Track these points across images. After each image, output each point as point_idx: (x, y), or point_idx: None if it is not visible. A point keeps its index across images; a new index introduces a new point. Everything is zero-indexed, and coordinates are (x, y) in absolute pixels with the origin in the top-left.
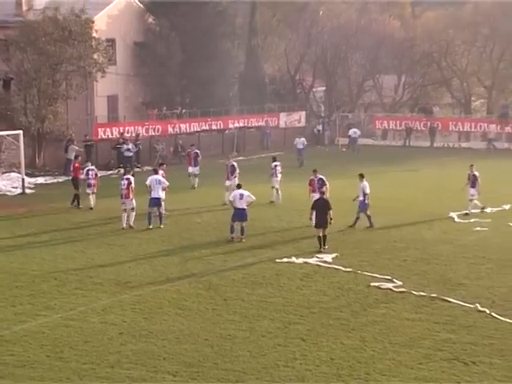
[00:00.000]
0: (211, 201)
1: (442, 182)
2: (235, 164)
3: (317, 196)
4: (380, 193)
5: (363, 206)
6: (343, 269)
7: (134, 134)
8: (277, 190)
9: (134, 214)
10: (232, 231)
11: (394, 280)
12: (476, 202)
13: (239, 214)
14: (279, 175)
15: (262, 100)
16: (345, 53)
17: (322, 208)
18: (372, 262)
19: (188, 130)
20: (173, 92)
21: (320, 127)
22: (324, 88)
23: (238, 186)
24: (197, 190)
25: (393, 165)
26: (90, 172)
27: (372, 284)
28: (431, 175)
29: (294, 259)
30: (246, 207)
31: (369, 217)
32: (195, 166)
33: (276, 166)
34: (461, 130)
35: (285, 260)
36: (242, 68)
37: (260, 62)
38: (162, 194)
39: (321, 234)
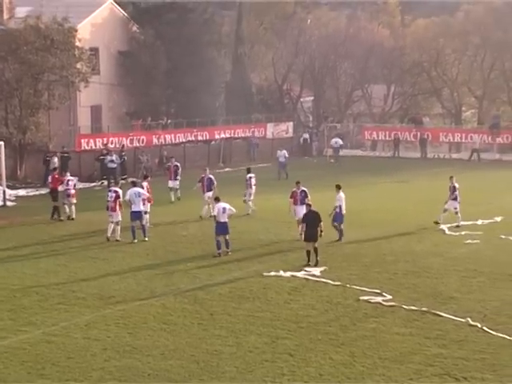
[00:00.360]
0: (196, 213)
1: (432, 193)
2: (212, 177)
3: (299, 208)
4: (369, 204)
5: (339, 218)
6: (332, 282)
7: (118, 145)
8: (244, 201)
9: (119, 227)
10: (219, 247)
11: (384, 294)
12: (444, 214)
13: (222, 228)
14: (253, 187)
15: (248, 110)
16: (333, 62)
17: (312, 221)
18: (361, 275)
19: (173, 141)
20: (158, 102)
21: (307, 136)
22: (312, 98)
23: (217, 199)
24: (181, 202)
25: (382, 176)
26: (70, 182)
27: (361, 298)
28: (421, 187)
29: (281, 273)
30: (227, 220)
31: (337, 229)
32: (175, 179)
33: (251, 177)
34: (451, 140)
35: (272, 273)
36: (229, 77)
37: (247, 72)
38: (143, 207)
39: (310, 248)
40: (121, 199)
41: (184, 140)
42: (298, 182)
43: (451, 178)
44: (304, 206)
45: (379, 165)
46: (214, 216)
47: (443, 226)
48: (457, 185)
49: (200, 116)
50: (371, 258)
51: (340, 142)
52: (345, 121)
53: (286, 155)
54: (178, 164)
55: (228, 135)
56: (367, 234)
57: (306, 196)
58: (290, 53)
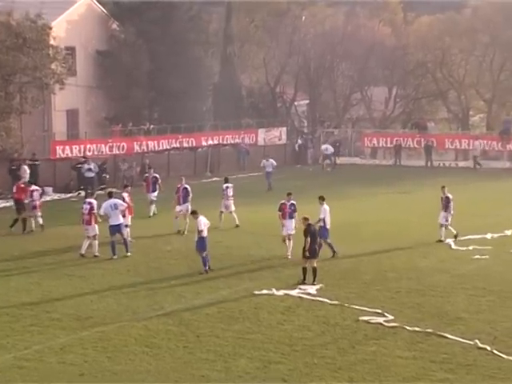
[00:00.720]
0: (181, 227)
1: (436, 205)
2: (188, 187)
3: (288, 223)
4: (369, 216)
5: (325, 233)
6: (329, 301)
7: (96, 153)
8: (221, 212)
9: (96, 242)
10: (205, 263)
11: (386, 314)
12: (450, 228)
13: (205, 243)
14: (230, 199)
15: (238, 114)
16: (330, 62)
17: (313, 236)
18: (361, 293)
19: (156, 148)
20: (140, 106)
21: (300, 141)
22: (307, 101)
23: (195, 213)
24: (164, 215)
25: (383, 186)
26: (35, 193)
27: (361, 318)
28: (425, 197)
29: (274, 291)
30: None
31: (330, 245)
32: (153, 191)
33: (227, 187)
34: (458, 147)
35: (264, 292)
36: (217, 79)
37: (236, 73)
38: (122, 219)
39: (307, 265)
40: (95, 211)
41: (168, 147)
42: (289, 194)
43: (443, 188)
44: (293, 220)
45: (379, 174)
46: (201, 231)
47: (449, 240)
48: (450, 195)
49: (185, 121)
50: (371, 274)
51: (331, 148)
52: (343, 126)
53: (274, 164)
54: (157, 175)
55: (216, 142)
56: (367, 249)
57: (295, 210)
58: (284, 53)
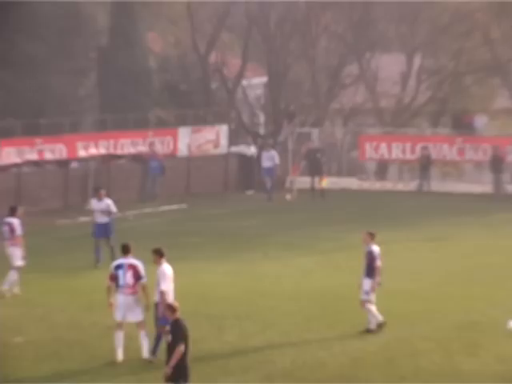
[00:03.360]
0: (43, 301)
1: (492, 260)
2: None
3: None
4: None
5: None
6: None
7: None
8: None
9: None
10: None
11: None
12: (371, 307)
13: None
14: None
15: (143, 103)
16: (306, 10)
17: (182, 340)
18: None
19: None
20: None
21: (253, 150)
22: (264, 80)
23: None
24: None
25: (399, 229)
26: None
27: None
28: (473, 248)
29: None
30: None
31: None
32: None
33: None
34: None
35: None
36: (105, 41)
37: (138, 29)
38: None
39: None
40: None
41: (18, 160)
42: (125, 249)
43: (368, 235)
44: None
45: (393, 207)
46: None
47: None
48: (375, 248)
49: (48, 114)
50: None
51: (276, 158)
52: (327, 123)
53: (112, 211)
54: None
55: (104, 151)
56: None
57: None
58: None
